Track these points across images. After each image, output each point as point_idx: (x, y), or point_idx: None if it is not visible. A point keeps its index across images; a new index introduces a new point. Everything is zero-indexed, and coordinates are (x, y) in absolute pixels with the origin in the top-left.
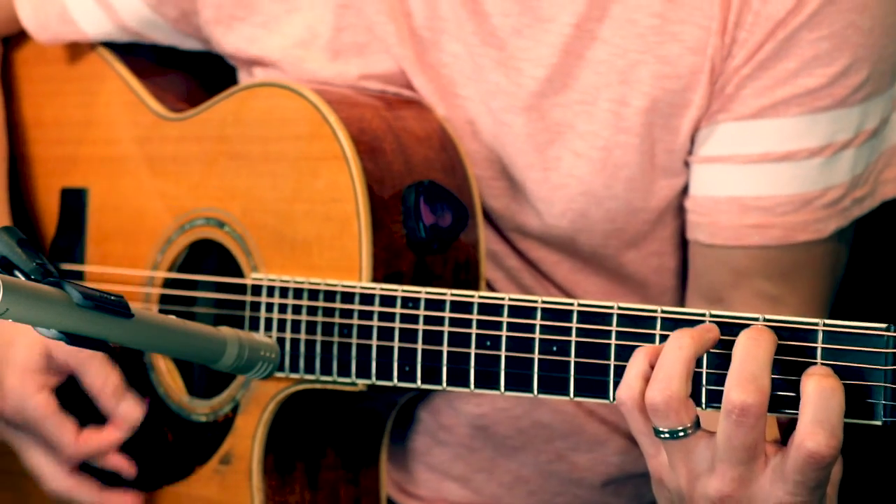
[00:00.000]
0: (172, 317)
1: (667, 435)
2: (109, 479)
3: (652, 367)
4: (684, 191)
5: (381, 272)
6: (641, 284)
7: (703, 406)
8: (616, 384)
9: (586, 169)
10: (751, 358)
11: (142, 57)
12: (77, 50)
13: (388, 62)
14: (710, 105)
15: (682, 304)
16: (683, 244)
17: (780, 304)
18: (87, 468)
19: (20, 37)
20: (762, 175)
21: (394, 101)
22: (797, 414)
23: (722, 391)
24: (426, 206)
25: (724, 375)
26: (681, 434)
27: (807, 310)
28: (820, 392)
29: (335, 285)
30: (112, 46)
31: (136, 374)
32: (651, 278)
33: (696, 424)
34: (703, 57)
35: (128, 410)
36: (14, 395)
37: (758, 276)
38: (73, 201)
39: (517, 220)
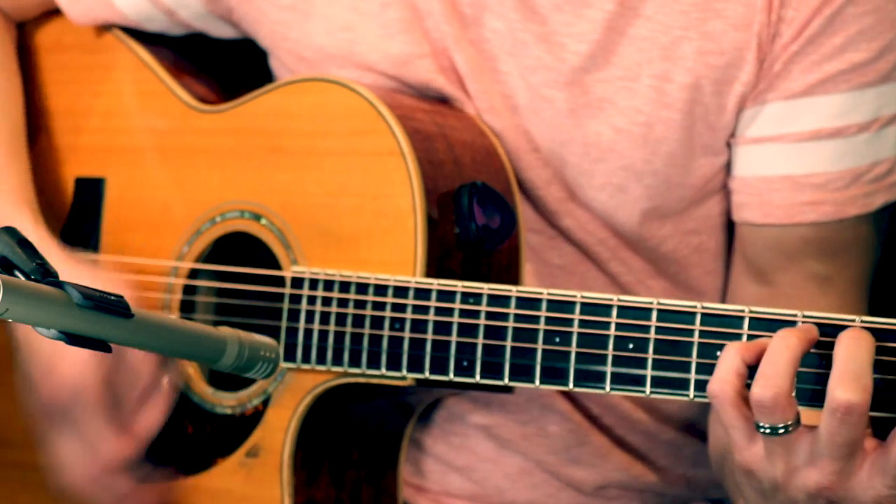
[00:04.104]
0: (172, 316)
1: (768, 430)
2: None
3: (746, 364)
4: (724, 171)
5: (434, 269)
6: (683, 265)
7: None
8: (697, 382)
9: (627, 144)
10: (853, 358)
11: (168, 50)
12: (98, 39)
13: (432, 40)
14: (757, 83)
15: (725, 288)
16: (723, 226)
17: (830, 284)
18: None
19: (37, 24)
20: (814, 152)
21: (438, 105)
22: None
23: (812, 389)
24: (478, 208)
25: (815, 374)
26: (781, 431)
27: (854, 288)
28: None
29: (387, 279)
30: (138, 38)
31: None
32: (692, 258)
33: (798, 421)
34: (748, 34)
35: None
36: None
37: (808, 256)
38: (89, 191)
39: (553, 194)
